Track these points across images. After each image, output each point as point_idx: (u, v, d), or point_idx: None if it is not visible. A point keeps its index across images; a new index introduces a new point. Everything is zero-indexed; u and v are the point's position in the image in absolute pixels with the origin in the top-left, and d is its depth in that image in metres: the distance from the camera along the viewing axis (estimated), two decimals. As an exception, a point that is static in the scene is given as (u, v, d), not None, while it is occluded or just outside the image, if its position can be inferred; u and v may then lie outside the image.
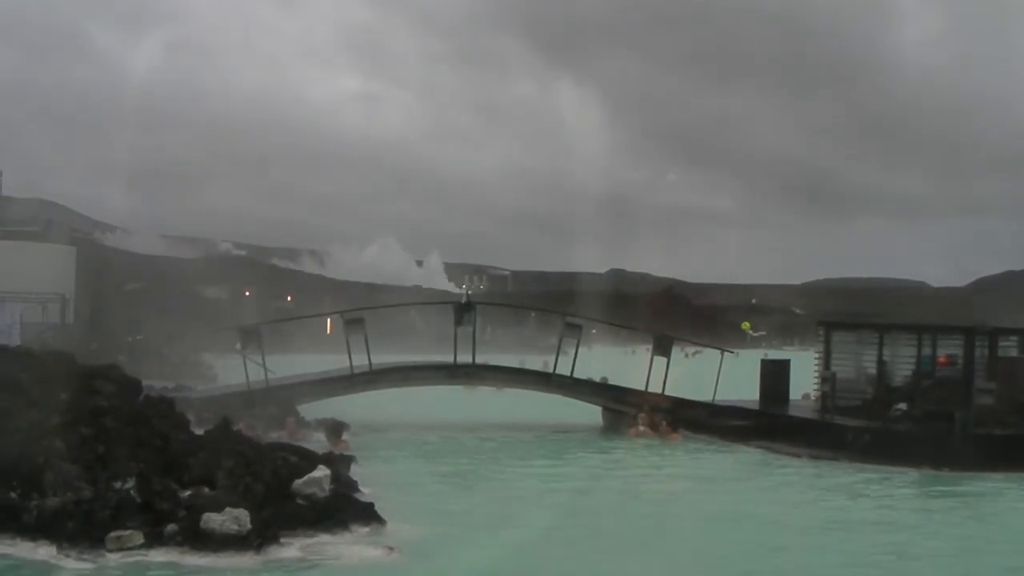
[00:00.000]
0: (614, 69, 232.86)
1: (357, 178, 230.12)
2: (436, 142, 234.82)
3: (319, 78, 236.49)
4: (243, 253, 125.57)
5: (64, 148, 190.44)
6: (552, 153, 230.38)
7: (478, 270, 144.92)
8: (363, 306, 32.39)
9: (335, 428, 22.54)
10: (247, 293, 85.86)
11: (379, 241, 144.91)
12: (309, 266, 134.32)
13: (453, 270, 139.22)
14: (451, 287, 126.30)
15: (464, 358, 28.52)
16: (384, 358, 29.61)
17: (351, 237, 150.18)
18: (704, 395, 28.06)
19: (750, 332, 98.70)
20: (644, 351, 32.35)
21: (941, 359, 25.82)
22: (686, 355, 28.61)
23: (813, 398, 28.14)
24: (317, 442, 21.05)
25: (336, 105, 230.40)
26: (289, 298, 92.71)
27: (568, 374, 28.65)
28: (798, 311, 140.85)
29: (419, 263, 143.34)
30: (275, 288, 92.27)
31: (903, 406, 23.88)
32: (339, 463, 16.83)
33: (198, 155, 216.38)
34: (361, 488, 15.67)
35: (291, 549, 12.24)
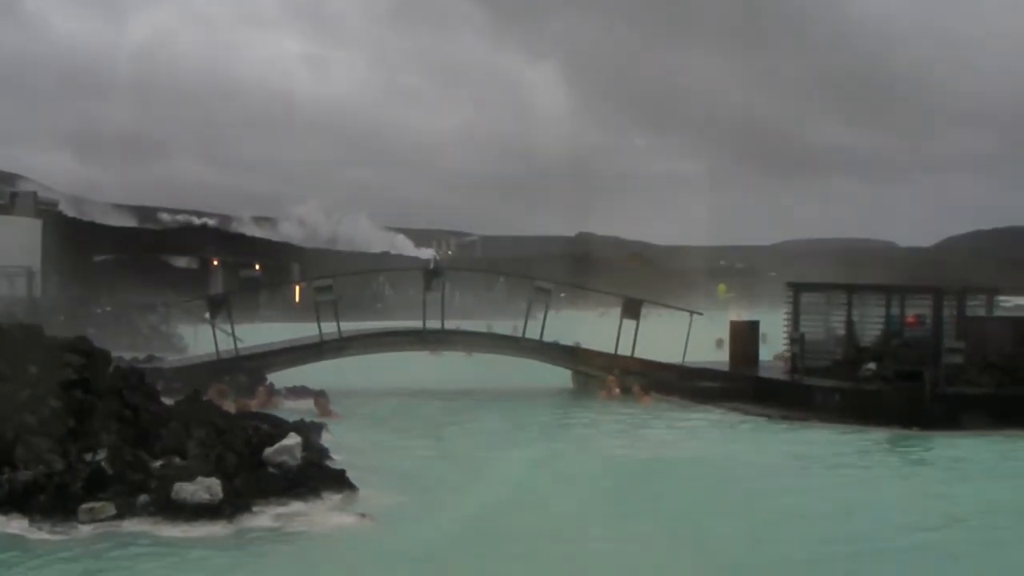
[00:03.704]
0: (571, 28, 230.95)
1: (306, 143, 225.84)
2: (388, 104, 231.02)
3: (262, 40, 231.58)
4: (213, 223, 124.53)
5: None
6: (511, 116, 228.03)
7: (437, 234, 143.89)
8: (331, 273, 32.33)
9: (323, 396, 22.61)
10: (215, 263, 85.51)
11: (308, 205, 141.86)
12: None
13: (418, 235, 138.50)
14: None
15: (433, 324, 28.49)
16: (352, 326, 29.61)
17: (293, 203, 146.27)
18: (668, 357, 27.97)
19: (725, 295, 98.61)
20: (611, 314, 32.35)
21: (910, 319, 25.99)
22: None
23: (783, 358, 28.26)
24: (288, 410, 21.03)
25: (282, 68, 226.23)
26: (257, 267, 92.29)
27: (537, 338, 28.68)
28: (770, 273, 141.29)
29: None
30: (241, 257, 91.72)
31: (872, 366, 24.02)
32: (310, 431, 16.82)
33: (144, 122, 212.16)
34: (332, 455, 15.67)
35: (263, 518, 12.24)
